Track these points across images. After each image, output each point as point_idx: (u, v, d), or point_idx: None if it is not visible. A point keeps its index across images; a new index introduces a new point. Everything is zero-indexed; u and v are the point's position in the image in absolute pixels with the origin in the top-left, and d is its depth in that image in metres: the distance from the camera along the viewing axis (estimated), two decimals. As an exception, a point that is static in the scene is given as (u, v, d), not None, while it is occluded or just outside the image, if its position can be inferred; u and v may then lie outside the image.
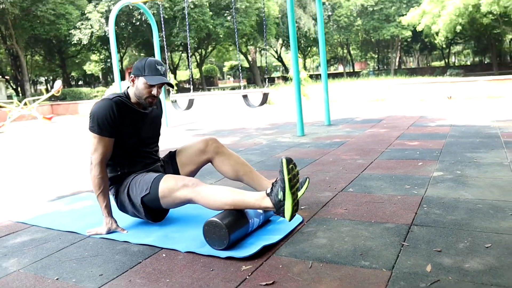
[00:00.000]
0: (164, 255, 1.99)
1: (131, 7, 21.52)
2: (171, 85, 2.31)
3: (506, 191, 2.57)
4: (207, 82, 40.25)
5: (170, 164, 2.53)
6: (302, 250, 1.92)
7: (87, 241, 2.27)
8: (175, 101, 7.22)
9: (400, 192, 2.70)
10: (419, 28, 24.53)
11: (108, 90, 15.94)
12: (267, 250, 1.94)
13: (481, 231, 1.99)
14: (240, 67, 8.16)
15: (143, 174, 2.32)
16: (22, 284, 1.79)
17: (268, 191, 2.00)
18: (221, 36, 23.73)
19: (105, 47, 29.49)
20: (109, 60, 33.99)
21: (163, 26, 7.23)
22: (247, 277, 1.70)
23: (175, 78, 36.68)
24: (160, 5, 7.11)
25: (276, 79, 41.68)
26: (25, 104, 12.81)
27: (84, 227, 2.46)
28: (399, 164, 3.50)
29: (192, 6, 21.21)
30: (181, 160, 2.53)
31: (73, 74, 39.82)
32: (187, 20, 7.13)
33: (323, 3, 34.53)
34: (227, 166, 2.49)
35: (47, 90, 13.02)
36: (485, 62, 37.63)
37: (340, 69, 48.75)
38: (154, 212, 2.31)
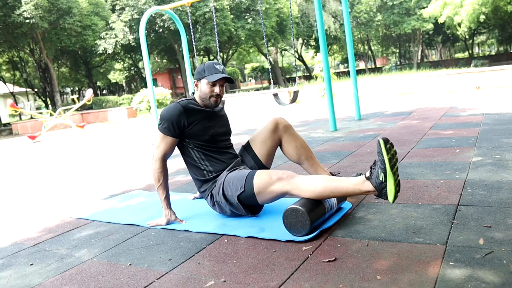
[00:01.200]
0: (226, 240, 2.13)
1: (153, 15, 21.95)
2: (231, 81, 2.46)
3: (549, 172, 2.62)
4: (229, 84, 40.55)
5: (247, 154, 2.64)
6: (356, 231, 2.03)
7: (149, 232, 2.43)
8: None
9: (442, 177, 2.78)
10: (440, 20, 24.15)
11: (135, 97, 16.32)
12: (323, 233, 2.06)
13: (528, 208, 2.06)
14: (269, 68, 8.28)
15: (234, 172, 2.42)
16: (99, 270, 1.96)
17: (367, 174, 2.00)
18: (242, 38, 23.94)
19: (129, 55, 30.14)
20: (132, 68, 34.71)
21: (191, 30, 7.43)
22: (309, 255, 1.82)
23: (197, 82, 37.15)
24: (188, 10, 7.31)
25: (297, 78, 41.66)
26: (59, 113, 13.28)
27: (143, 220, 2.63)
28: (436, 152, 3.56)
29: (213, 10, 21.50)
30: (256, 147, 2.64)
31: (98, 83, 40.73)
32: (215, 25, 7.30)
33: (340, 1, 34.37)
34: (292, 148, 2.62)
35: (78, 99, 13.44)
36: (509, 52, 36.75)
37: (361, 65, 48.35)
38: (252, 206, 2.39)
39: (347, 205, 2.41)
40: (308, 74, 40.16)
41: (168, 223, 2.48)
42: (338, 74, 27.59)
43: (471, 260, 1.60)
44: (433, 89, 10.20)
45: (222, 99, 2.57)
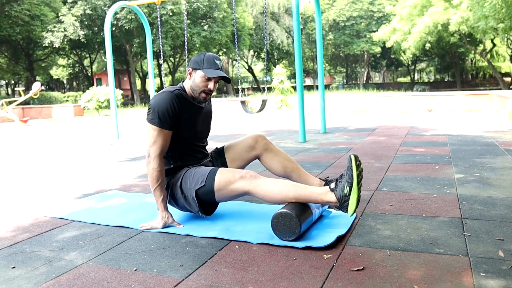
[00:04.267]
0: (237, 246, 2.03)
1: (106, 12, 21.20)
2: (228, 80, 2.36)
3: (531, 191, 2.76)
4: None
5: (219, 159, 2.59)
6: (372, 240, 2.01)
7: (144, 235, 2.27)
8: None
9: (433, 191, 2.85)
10: (388, 45, 25.40)
11: (84, 95, 15.59)
12: (338, 242, 2.02)
13: (530, 224, 2.15)
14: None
15: (196, 167, 2.36)
16: (101, 275, 1.79)
17: (332, 186, 2.07)
18: (197, 45, 23.70)
19: (75, 52, 28.83)
20: (78, 65, 33.25)
21: (160, 31, 7.22)
22: (334, 264, 1.77)
23: (144, 86, 36.30)
24: (158, 8, 7.09)
25: (245, 89, 41.90)
26: (2, 105, 12.35)
27: (133, 222, 2.46)
28: (417, 167, 3.66)
29: (170, 14, 21.14)
30: (230, 156, 2.59)
31: (38, 78, 38.57)
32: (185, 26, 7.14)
33: (295, 17, 35.15)
34: (275, 163, 2.57)
35: (24, 92, 12.54)
36: (446, 80, 39.36)
37: (308, 82, 49.56)
38: (206, 205, 2.33)
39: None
40: (257, 86, 40.59)
41: (164, 226, 2.33)
42: (295, 88, 28.08)
43: (500, 271, 1.63)
44: (388, 109, 10.63)
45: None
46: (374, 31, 29.23)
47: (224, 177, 2.20)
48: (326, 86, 38.11)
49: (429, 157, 4.11)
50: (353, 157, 2.03)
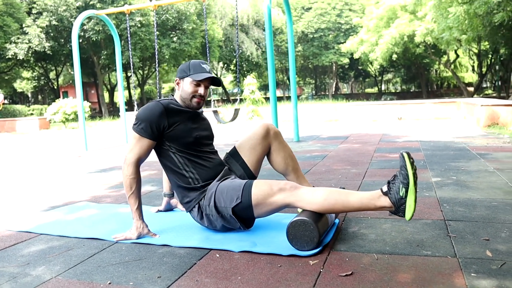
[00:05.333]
0: (218, 255, 1.93)
1: (73, 23, 20.78)
2: (218, 83, 2.28)
3: (507, 192, 2.79)
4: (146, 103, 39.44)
5: (235, 162, 2.42)
6: (358, 245, 1.95)
7: (118, 246, 2.14)
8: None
9: (413, 195, 2.83)
10: (356, 56, 25.94)
11: (49, 108, 15.13)
12: (323, 248, 1.94)
13: (511, 223, 2.14)
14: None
15: (226, 182, 2.19)
16: (72, 290, 1.66)
17: (385, 189, 1.87)
18: (166, 57, 23.50)
19: (40, 64, 28.06)
20: (43, 78, 32.34)
21: (129, 41, 7.06)
22: (321, 270, 1.70)
23: (112, 99, 35.67)
24: (127, 18, 6.94)
25: (216, 101, 41.79)
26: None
27: (106, 233, 2.32)
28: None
29: (139, 25, 20.90)
30: (245, 154, 2.42)
31: (0, 91, 37.25)
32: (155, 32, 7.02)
33: (264, 29, 35.55)
34: (280, 157, 2.45)
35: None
36: (411, 90, 40.50)
37: (277, 93, 49.92)
38: (246, 220, 2.16)
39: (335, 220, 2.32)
40: (226, 97, 40.58)
41: (139, 237, 2.20)
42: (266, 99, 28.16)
43: (491, 271, 1.59)
44: (359, 117, 10.76)
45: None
46: (342, 43, 29.83)
47: (261, 191, 2.03)
48: (297, 97, 38.47)
49: (405, 162, 4.12)
50: (406, 155, 1.83)
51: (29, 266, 1.93)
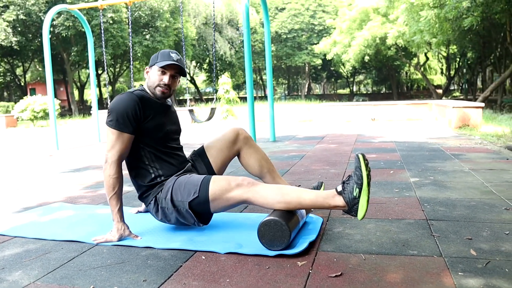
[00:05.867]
0: (203, 257, 1.89)
1: (42, 18, 20.15)
2: (183, 72, 2.22)
3: (484, 192, 2.86)
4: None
5: (201, 161, 2.40)
6: (345, 245, 1.95)
7: (99, 249, 2.07)
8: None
9: (393, 195, 2.86)
10: (329, 57, 26.22)
11: (17, 105, 14.64)
12: (310, 248, 1.94)
13: (491, 222, 2.19)
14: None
15: (184, 177, 2.16)
16: (52, 295, 1.59)
17: (339, 189, 1.91)
18: (139, 54, 23.11)
19: (6, 59, 27.09)
20: (9, 74, 31.25)
21: (103, 37, 6.89)
22: (310, 271, 1.69)
23: (82, 97, 34.79)
24: (101, 13, 6.76)
25: (189, 100, 41.45)
26: None
27: (85, 236, 2.25)
28: (373, 173, 3.69)
29: (111, 22, 20.47)
30: (211, 154, 2.41)
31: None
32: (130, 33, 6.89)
33: (237, 29, 35.50)
34: (253, 160, 2.43)
35: None
36: (382, 92, 41.30)
37: (251, 93, 49.88)
38: (202, 215, 2.14)
39: (319, 219, 2.32)
40: (199, 97, 40.28)
41: (120, 239, 2.14)
42: (243, 99, 28.10)
43: (477, 270, 1.62)
44: (332, 118, 10.86)
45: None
46: (315, 44, 30.08)
47: (219, 186, 2.03)
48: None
49: (382, 163, 4.18)
50: (361, 156, 1.88)
51: (4, 271, 1.85)
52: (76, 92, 33.95)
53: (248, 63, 5.65)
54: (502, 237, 1.97)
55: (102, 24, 6.78)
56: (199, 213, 2.11)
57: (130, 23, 6.59)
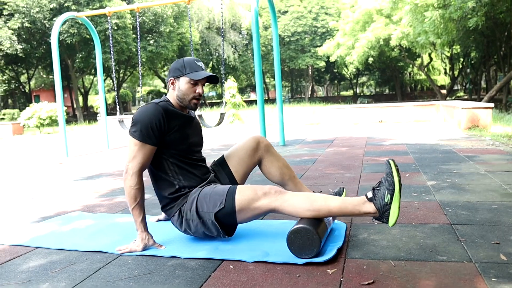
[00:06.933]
0: (231, 266, 1.88)
1: (47, 25, 20.27)
2: (216, 80, 2.22)
3: (504, 194, 2.84)
4: (123, 108, 38.83)
5: (222, 171, 2.39)
6: (372, 252, 1.94)
7: (124, 259, 2.06)
8: (122, 121, 6.88)
9: (413, 199, 2.85)
10: (332, 59, 26.22)
11: (23, 112, 14.69)
12: (337, 255, 1.93)
13: (517, 227, 2.18)
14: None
15: (209, 187, 2.15)
16: (84, 307, 1.58)
17: (370, 195, 1.90)
18: (143, 59, 23.18)
19: (11, 67, 27.25)
20: (14, 81, 31.41)
21: (111, 43, 6.91)
22: (341, 279, 1.68)
23: (86, 103, 34.91)
24: (109, 20, 6.78)
25: (224, 101, 41.36)
26: None
27: (108, 245, 2.24)
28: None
29: (115, 28, 20.56)
30: (233, 164, 2.40)
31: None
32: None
33: (240, 32, 35.56)
34: (275, 168, 2.42)
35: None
36: (385, 93, 41.26)
37: (253, 96, 49.98)
38: (227, 227, 2.12)
39: (343, 225, 2.31)
40: (203, 101, 40.33)
41: (144, 249, 2.13)
42: (247, 102, 28.19)
43: (510, 275, 1.61)
44: (339, 121, 10.85)
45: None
46: (319, 46, 30.08)
47: (245, 196, 2.01)
48: (273, 100, 38.55)
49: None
50: (392, 163, 1.88)
51: (31, 283, 1.84)
52: (80, 99, 34.06)
53: (258, 67, 5.65)
54: (530, 241, 1.95)
55: (110, 31, 6.80)
56: (225, 224, 2.09)
57: (138, 28, 6.61)
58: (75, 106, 26.86)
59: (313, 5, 32.86)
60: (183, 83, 2.17)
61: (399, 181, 1.84)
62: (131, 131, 2.11)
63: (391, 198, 1.84)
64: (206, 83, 2.28)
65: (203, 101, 40.39)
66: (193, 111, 2.38)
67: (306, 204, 1.95)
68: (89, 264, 2.03)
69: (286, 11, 33.80)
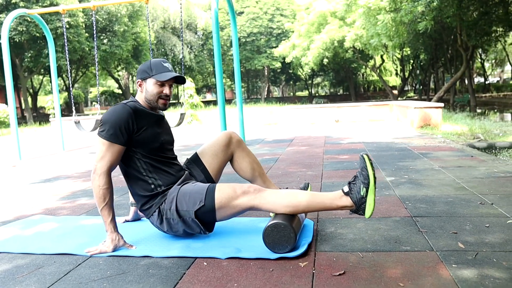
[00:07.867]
0: (205, 263, 1.91)
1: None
2: (183, 81, 2.24)
3: (458, 188, 3.03)
4: (75, 109, 37.52)
5: (197, 168, 2.40)
6: (340, 245, 2.03)
7: (94, 260, 2.04)
8: (79, 122, 6.68)
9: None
10: (288, 60, 26.63)
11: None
12: (308, 249, 2.00)
13: (471, 216, 2.34)
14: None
15: (188, 186, 2.16)
16: (57, 310, 1.56)
17: (346, 189, 1.97)
18: (97, 59, 22.51)
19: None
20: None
21: (65, 43, 6.69)
22: (313, 271, 1.74)
23: (35, 104, 33.49)
24: (63, 18, 6.56)
25: (184, 101, 40.70)
26: None
27: (76, 247, 2.21)
28: (349, 173, 3.82)
29: (67, 26, 19.85)
30: (206, 160, 2.42)
31: None
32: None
33: (196, 33, 35.33)
34: (245, 163, 2.46)
35: None
36: (339, 93, 42.35)
37: (208, 97, 49.79)
38: (207, 224, 2.14)
39: (310, 221, 2.39)
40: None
41: (115, 249, 2.12)
42: (203, 103, 27.94)
43: (468, 261, 1.74)
44: (297, 120, 11.05)
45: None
46: (274, 47, 30.43)
47: (225, 194, 2.04)
48: (228, 101, 38.53)
49: (356, 163, 4.32)
50: (366, 157, 1.95)
51: (-2, 289, 1.79)
52: (29, 99, 32.62)
53: (218, 67, 5.67)
54: (484, 230, 2.11)
55: (64, 29, 6.59)
56: (205, 222, 2.12)
57: (94, 27, 6.45)
58: (23, 107, 25.67)
59: (268, 6, 33.21)
60: (150, 85, 2.18)
61: (374, 174, 1.93)
62: (99, 131, 2.09)
63: (367, 191, 1.92)
64: (174, 84, 2.29)
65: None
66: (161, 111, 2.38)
67: (285, 201, 2.01)
68: (58, 267, 1.99)
69: (242, 12, 33.96)
